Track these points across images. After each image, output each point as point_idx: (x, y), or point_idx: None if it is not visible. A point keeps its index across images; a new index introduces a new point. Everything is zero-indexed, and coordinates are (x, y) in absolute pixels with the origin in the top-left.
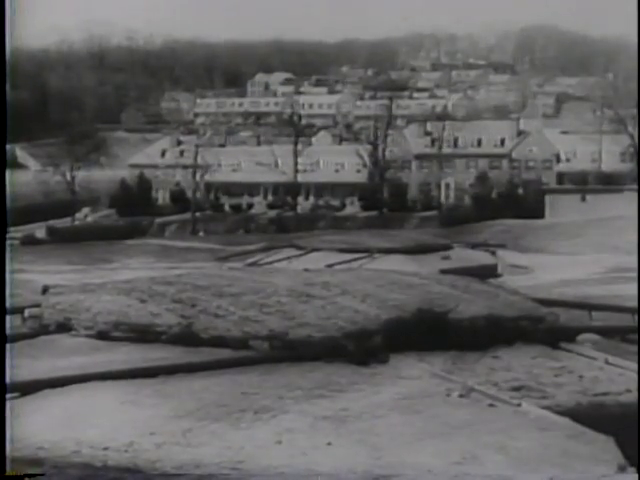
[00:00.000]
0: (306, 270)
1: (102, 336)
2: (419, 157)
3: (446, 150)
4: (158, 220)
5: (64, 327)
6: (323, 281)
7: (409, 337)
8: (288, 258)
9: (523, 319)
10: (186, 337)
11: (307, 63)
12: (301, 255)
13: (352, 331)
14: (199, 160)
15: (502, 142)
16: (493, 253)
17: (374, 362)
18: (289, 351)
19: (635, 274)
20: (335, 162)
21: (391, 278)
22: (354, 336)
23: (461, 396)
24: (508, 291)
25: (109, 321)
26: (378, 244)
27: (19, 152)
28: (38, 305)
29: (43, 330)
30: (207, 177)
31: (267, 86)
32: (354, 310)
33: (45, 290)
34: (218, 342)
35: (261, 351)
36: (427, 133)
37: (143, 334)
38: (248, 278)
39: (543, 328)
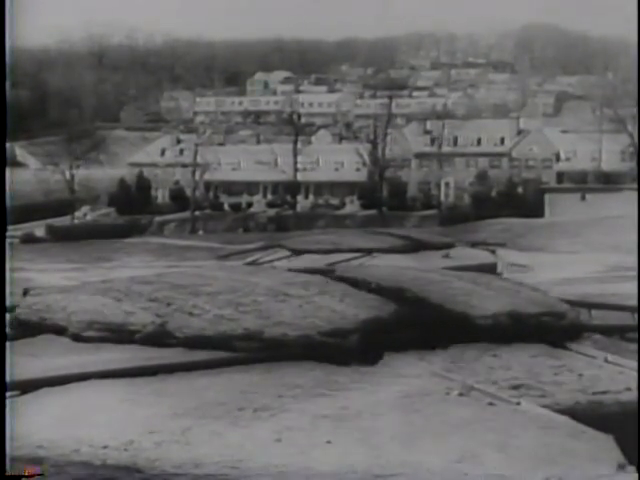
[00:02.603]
0: (289, 270)
1: (76, 336)
2: (419, 156)
3: (446, 149)
4: (157, 219)
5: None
6: (303, 281)
7: (388, 337)
8: (287, 257)
9: (545, 315)
10: (160, 336)
11: (307, 62)
12: (299, 255)
13: (328, 330)
14: (199, 159)
15: (502, 141)
16: (493, 252)
17: (356, 363)
18: (265, 351)
19: (635, 273)
20: (335, 161)
21: (412, 275)
22: (330, 335)
23: (460, 395)
24: (529, 287)
25: (83, 320)
26: (366, 245)
27: (19, 150)
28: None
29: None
30: (206, 176)
31: (267, 85)
32: (332, 310)
33: (25, 292)
34: (192, 341)
35: (237, 350)
36: (427, 132)
37: (117, 333)
38: (227, 277)
39: (565, 324)
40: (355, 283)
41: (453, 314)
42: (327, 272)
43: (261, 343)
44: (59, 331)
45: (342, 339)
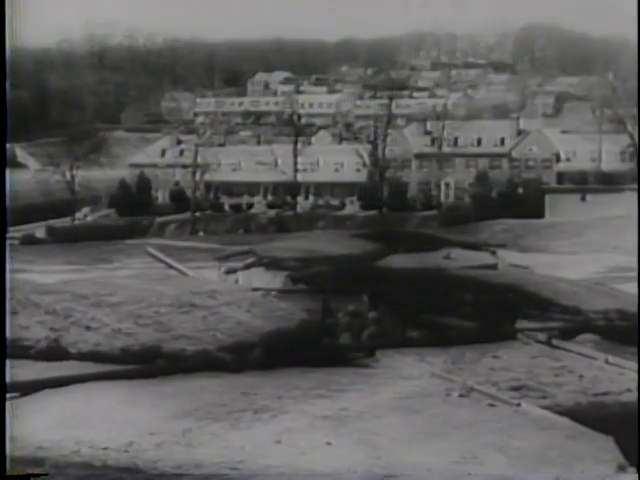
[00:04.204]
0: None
1: None
2: (419, 156)
3: (446, 149)
4: (158, 220)
5: None
6: (211, 289)
7: (291, 350)
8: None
9: None
10: (53, 351)
11: (307, 62)
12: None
13: (228, 345)
14: (199, 159)
15: (502, 141)
16: (493, 253)
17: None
18: (161, 366)
19: (635, 274)
20: (335, 161)
21: (515, 274)
22: (229, 350)
23: (461, 396)
24: (624, 292)
25: None
26: (339, 251)
27: (19, 151)
28: None
29: None
30: (207, 176)
31: (267, 85)
32: (236, 321)
33: None
34: (86, 357)
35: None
36: (427, 132)
37: (9, 349)
38: (134, 286)
39: None
40: (472, 281)
41: (565, 307)
42: (438, 270)
43: (158, 359)
44: None
45: (242, 354)
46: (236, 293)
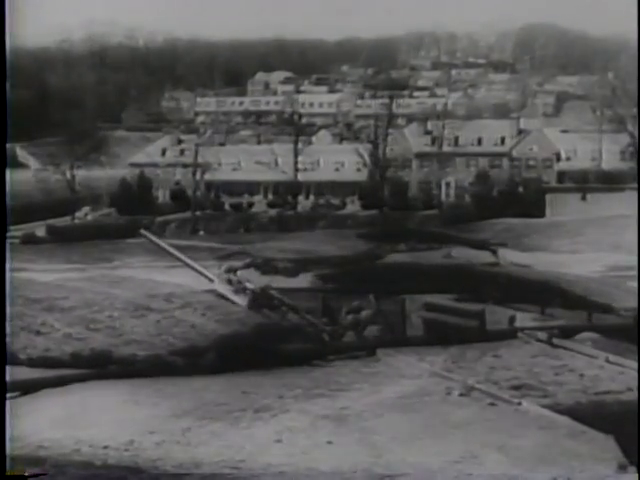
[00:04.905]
0: None
1: None
2: (419, 156)
3: (446, 149)
4: (158, 219)
5: None
6: (168, 292)
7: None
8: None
9: None
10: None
11: (307, 62)
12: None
13: (181, 349)
14: (199, 159)
15: (502, 141)
16: (494, 252)
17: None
18: (111, 370)
19: (635, 273)
20: (335, 161)
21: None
22: (181, 354)
23: (461, 395)
24: None
25: None
26: (331, 252)
27: (19, 151)
28: None
29: None
30: (207, 176)
31: (267, 85)
32: (190, 325)
33: None
34: (35, 362)
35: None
36: (427, 132)
37: None
38: (88, 289)
39: None
40: (507, 277)
41: (597, 304)
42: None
43: (108, 363)
44: None
45: (194, 358)
46: (192, 296)
